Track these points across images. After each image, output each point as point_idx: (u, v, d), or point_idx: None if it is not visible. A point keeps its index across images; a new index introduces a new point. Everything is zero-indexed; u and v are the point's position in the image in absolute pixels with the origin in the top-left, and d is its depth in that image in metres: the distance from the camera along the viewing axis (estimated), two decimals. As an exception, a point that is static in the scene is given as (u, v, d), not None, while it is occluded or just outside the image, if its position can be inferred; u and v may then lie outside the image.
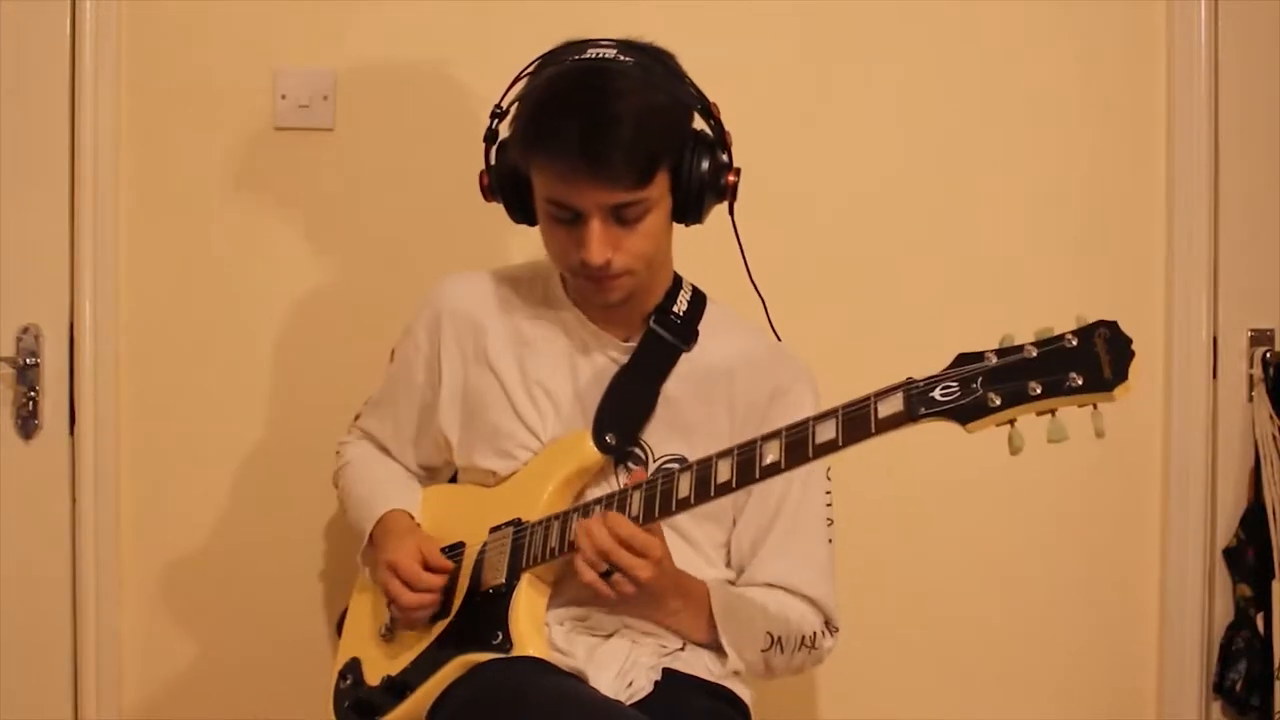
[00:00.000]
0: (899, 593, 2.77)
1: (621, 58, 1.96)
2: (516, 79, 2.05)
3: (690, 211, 2.04)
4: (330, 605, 2.74)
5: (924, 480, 2.74)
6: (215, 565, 2.76)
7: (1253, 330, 2.75)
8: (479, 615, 2.00)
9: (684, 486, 1.85)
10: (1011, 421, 1.60)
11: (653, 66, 1.98)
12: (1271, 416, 2.68)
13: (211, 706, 2.77)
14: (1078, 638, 2.80)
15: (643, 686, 1.93)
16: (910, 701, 2.79)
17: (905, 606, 2.78)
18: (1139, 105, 2.76)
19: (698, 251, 2.15)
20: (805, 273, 2.68)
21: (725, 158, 2.05)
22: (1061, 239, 2.76)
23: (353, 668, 2.16)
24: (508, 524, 2.05)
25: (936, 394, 1.63)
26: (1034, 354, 1.59)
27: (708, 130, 2.05)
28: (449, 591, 2.05)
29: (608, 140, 1.87)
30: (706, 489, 1.83)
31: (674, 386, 2.09)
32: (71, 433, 2.70)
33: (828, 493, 2.14)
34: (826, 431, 1.72)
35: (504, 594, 1.98)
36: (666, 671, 1.98)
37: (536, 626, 1.97)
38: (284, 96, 2.69)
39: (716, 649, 2.04)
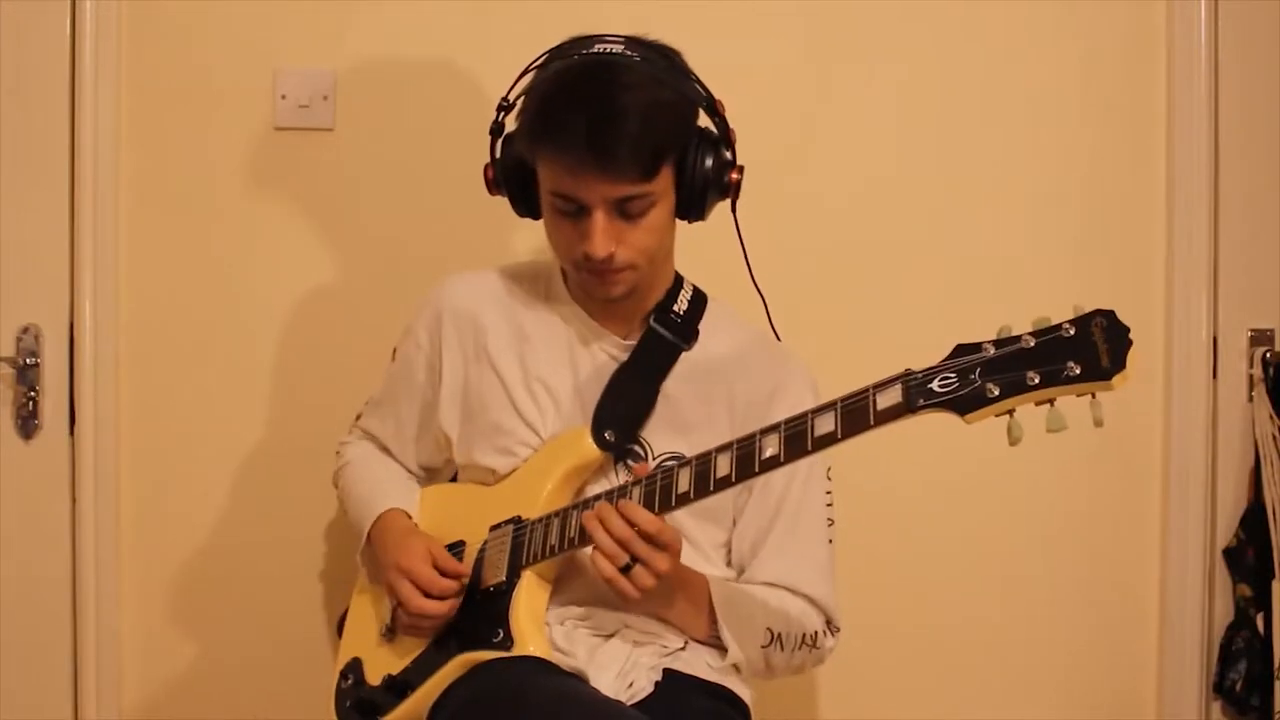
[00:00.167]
0: (899, 593, 2.77)
1: (629, 53, 1.97)
2: (524, 73, 2.06)
3: (693, 208, 2.04)
4: (330, 605, 2.74)
5: (924, 481, 2.74)
6: (215, 565, 2.76)
7: (1253, 330, 2.75)
8: (479, 614, 2.00)
9: (683, 481, 1.85)
10: (1010, 412, 1.60)
11: (659, 63, 1.99)
12: (1271, 416, 2.68)
13: (212, 706, 2.77)
14: (1078, 638, 2.80)
15: (643, 687, 1.93)
16: (910, 701, 2.79)
17: (905, 607, 2.78)
18: (1139, 105, 2.76)
19: (698, 250, 2.16)
20: (805, 271, 2.69)
21: (729, 155, 2.06)
22: (1061, 239, 2.76)
23: (354, 667, 2.16)
24: (508, 522, 2.05)
25: (935, 385, 1.63)
26: (1032, 344, 1.60)
27: (713, 128, 2.06)
28: (449, 591, 2.06)
29: (613, 133, 1.87)
30: (706, 483, 1.82)
31: (674, 385, 2.09)
32: (71, 433, 2.70)
33: (828, 492, 2.14)
34: (825, 424, 1.72)
35: (504, 592, 1.98)
36: (667, 672, 1.97)
37: (537, 624, 1.96)
38: (284, 96, 2.69)
39: (717, 646, 2.04)
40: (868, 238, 2.75)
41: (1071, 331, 1.58)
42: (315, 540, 2.76)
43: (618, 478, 2.05)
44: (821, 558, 2.12)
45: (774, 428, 1.78)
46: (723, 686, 2.04)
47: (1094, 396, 1.56)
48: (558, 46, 2.03)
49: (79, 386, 2.69)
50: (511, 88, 2.08)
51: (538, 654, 1.92)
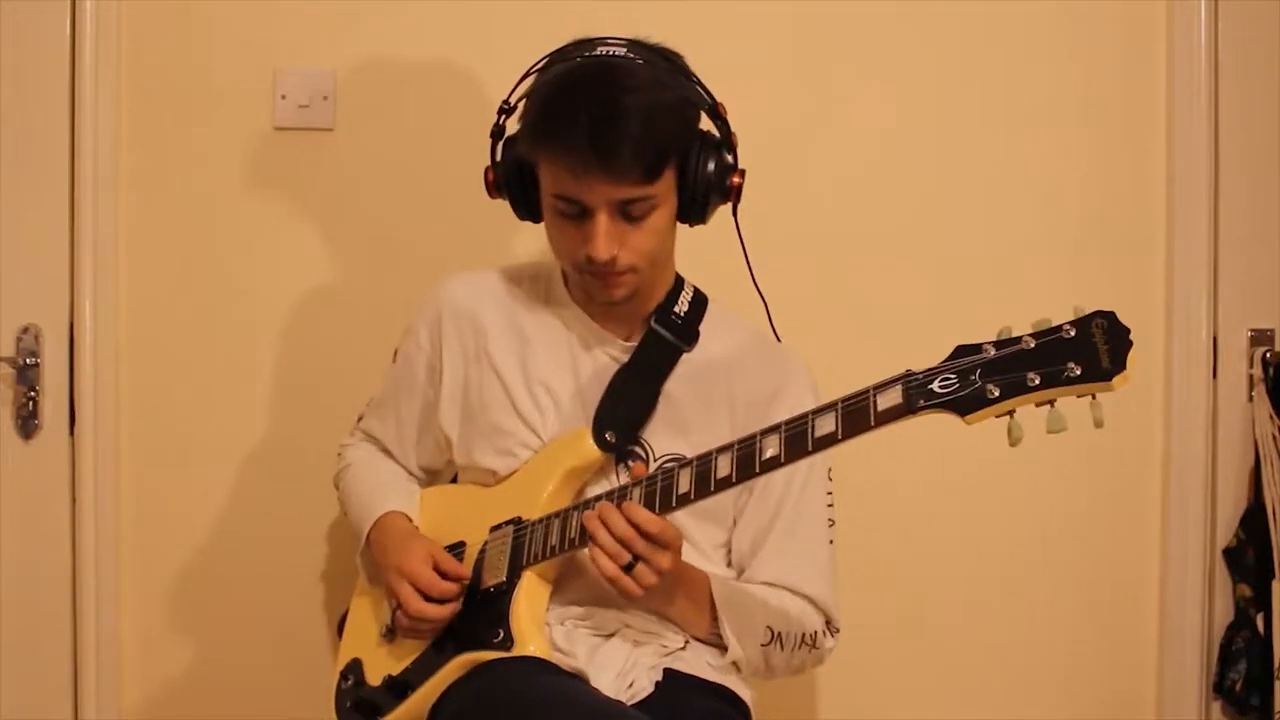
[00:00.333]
0: (900, 593, 2.77)
1: (631, 56, 1.98)
2: (525, 75, 2.06)
3: (694, 211, 2.04)
4: (331, 606, 2.74)
5: (924, 482, 2.74)
6: (215, 565, 2.76)
7: (1253, 330, 2.75)
8: (480, 614, 2.00)
9: (684, 482, 1.85)
10: (1011, 413, 1.60)
11: (662, 66, 2.00)
12: (1271, 416, 2.68)
13: (212, 707, 2.77)
14: (1078, 638, 2.80)
15: (644, 687, 1.93)
16: (910, 701, 2.79)
17: (906, 607, 2.78)
18: (1139, 105, 2.76)
19: (698, 252, 2.16)
20: (805, 273, 2.68)
21: (731, 159, 2.05)
22: (1061, 239, 2.77)
23: (354, 668, 2.16)
24: (508, 522, 2.05)
25: (935, 386, 1.63)
26: (1032, 345, 1.60)
27: (714, 131, 2.06)
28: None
29: (617, 134, 1.87)
30: (707, 484, 1.83)
31: (674, 386, 2.09)
32: (71, 433, 2.70)
33: (829, 493, 2.14)
34: (826, 425, 1.73)
35: (505, 592, 1.98)
36: (667, 672, 1.98)
37: (537, 624, 1.96)
38: (284, 96, 2.69)
39: (717, 644, 2.04)
40: (867, 239, 2.75)
41: (1072, 333, 1.58)
42: (316, 540, 2.76)
43: (618, 479, 2.05)
44: (822, 558, 2.12)
45: (774, 429, 1.78)
46: (723, 686, 2.04)
47: (1094, 397, 1.56)
48: (559, 49, 2.03)
49: (79, 386, 2.69)
50: (513, 90, 2.07)
51: (538, 654, 1.92)
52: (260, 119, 2.70)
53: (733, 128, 2.06)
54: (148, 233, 2.72)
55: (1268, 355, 2.72)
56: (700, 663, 2.03)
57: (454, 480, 2.28)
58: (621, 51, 1.98)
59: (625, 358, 2.11)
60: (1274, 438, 2.67)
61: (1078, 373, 1.55)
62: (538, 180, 2.02)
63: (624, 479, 2.03)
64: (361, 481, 2.27)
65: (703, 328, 2.14)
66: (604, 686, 1.89)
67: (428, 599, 2.01)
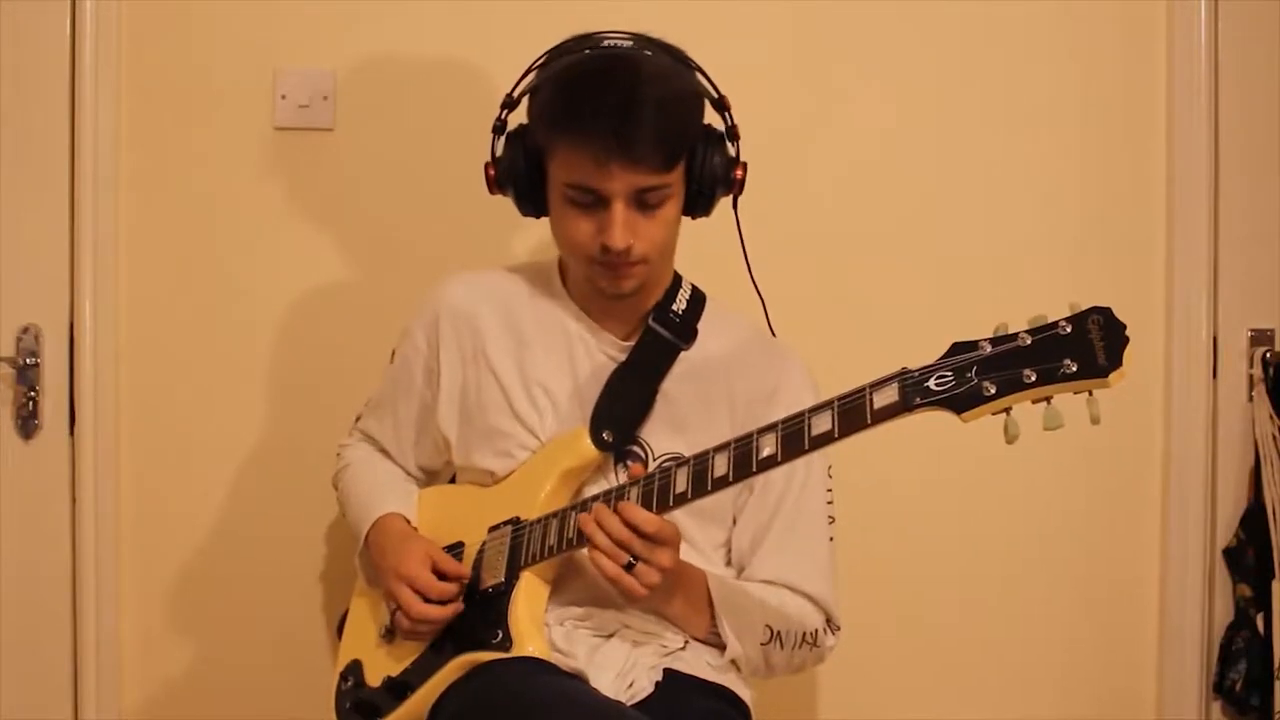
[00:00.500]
0: (899, 593, 2.77)
1: (641, 49, 1.99)
2: (529, 70, 2.06)
3: (700, 204, 2.05)
4: (331, 606, 2.73)
5: (922, 480, 2.74)
6: (216, 565, 2.76)
7: (1253, 330, 2.75)
8: (478, 615, 2.00)
9: (681, 481, 1.85)
10: (1007, 410, 1.60)
11: (669, 58, 2.02)
12: (1271, 416, 2.68)
13: (212, 707, 2.77)
14: (1077, 637, 2.80)
15: (643, 687, 1.92)
16: (910, 701, 2.79)
17: (905, 607, 2.78)
18: (1139, 105, 2.76)
19: (695, 251, 2.16)
20: (802, 270, 2.68)
21: (735, 152, 2.06)
22: (1061, 239, 2.76)
23: (353, 669, 2.16)
24: (506, 523, 2.04)
25: (931, 383, 1.63)
26: (1028, 341, 1.60)
27: (719, 124, 2.07)
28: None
29: (640, 121, 1.88)
30: (704, 483, 1.82)
31: (673, 385, 2.09)
32: (71, 433, 2.70)
33: (829, 490, 2.14)
34: (822, 423, 1.73)
35: (503, 593, 1.98)
36: (667, 672, 1.97)
37: (536, 625, 1.96)
38: (284, 96, 2.69)
39: (716, 643, 2.04)
40: (867, 238, 2.75)
41: (1068, 329, 1.58)
42: (316, 540, 2.76)
43: (616, 478, 2.05)
44: (821, 556, 2.12)
45: (771, 427, 1.78)
46: (723, 686, 2.03)
47: (1091, 394, 1.56)
48: (563, 43, 2.04)
49: (79, 386, 2.69)
50: (516, 84, 2.08)
51: (537, 655, 1.91)
52: (260, 119, 2.70)
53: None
54: (148, 233, 2.72)
55: (1268, 355, 2.72)
56: (700, 663, 2.02)
57: (452, 480, 2.27)
58: (629, 44, 1.99)
59: (623, 357, 2.11)
60: (1274, 438, 2.67)
61: (1074, 369, 1.55)
62: (545, 172, 2.02)
63: (622, 478, 2.03)
64: (360, 482, 2.27)
65: (701, 326, 2.14)
66: (604, 687, 1.89)
67: (427, 600, 2.01)
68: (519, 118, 2.08)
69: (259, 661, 2.76)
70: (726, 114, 2.08)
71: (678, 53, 2.05)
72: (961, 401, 1.61)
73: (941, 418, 1.63)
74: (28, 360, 2.66)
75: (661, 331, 2.11)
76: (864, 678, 2.73)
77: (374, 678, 2.10)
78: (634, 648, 1.98)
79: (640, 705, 1.89)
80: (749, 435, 1.80)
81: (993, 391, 1.59)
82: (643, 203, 1.95)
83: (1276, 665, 2.65)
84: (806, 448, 1.74)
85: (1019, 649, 2.80)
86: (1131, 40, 2.76)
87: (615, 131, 1.87)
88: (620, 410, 2.06)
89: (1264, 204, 2.74)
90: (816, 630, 2.08)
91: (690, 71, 2.05)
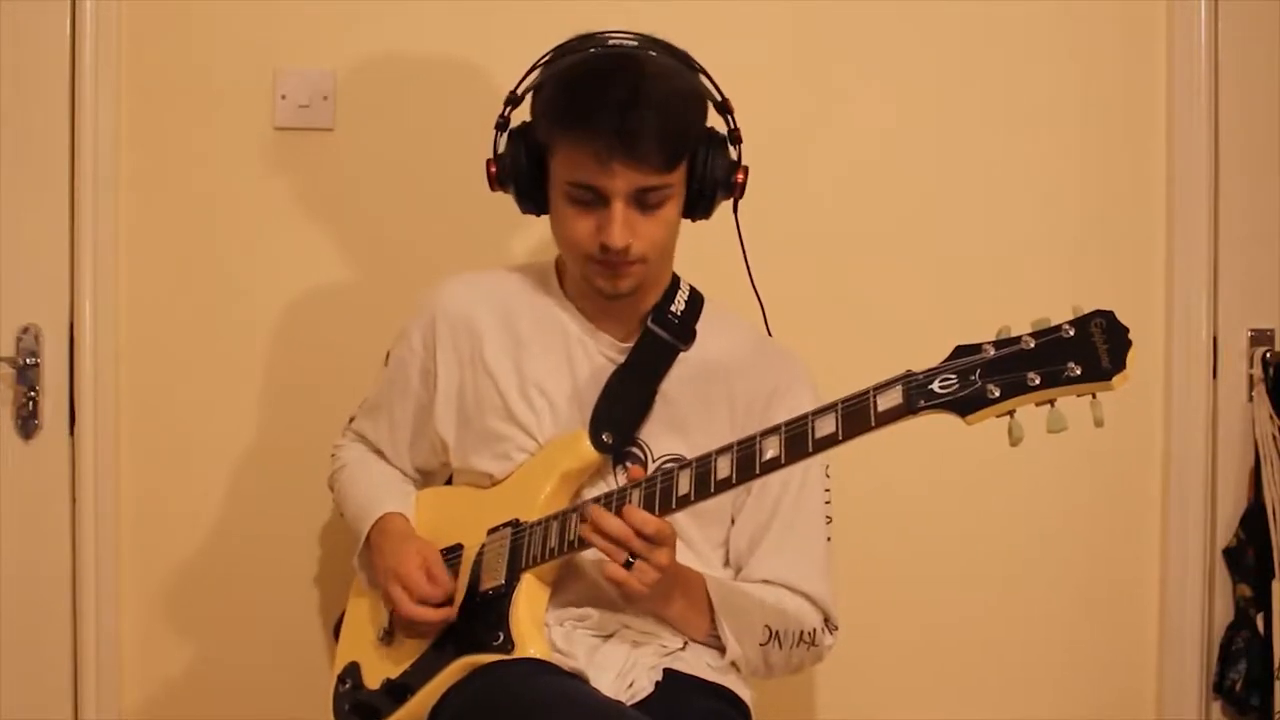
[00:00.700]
0: (900, 593, 2.77)
1: (645, 49, 2.00)
2: (532, 68, 2.06)
3: (700, 206, 2.06)
4: (330, 607, 2.73)
5: (925, 481, 2.74)
6: (215, 566, 2.76)
7: (1253, 330, 2.75)
8: (479, 617, 2.00)
9: (684, 483, 1.85)
10: (1011, 413, 1.60)
11: (675, 59, 2.03)
12: (1271, 416, 2.68)
13: (211, 707, 2.76)
14: (1077, 637, 2.80)
15: (644, 687, 1.93)
16: (910, 701, 2.79)
17: (906, 606, 2.78)
18: (1139, 105, 2.76)
19: (694, 252, 2.16)
20: (803, 273, 2.68)
21: (737, 156, 2.07)
22: (1061, 239, 2.76)
23: (352, 671, 2.16)
24: (506, 525, 2.04)
25: (935, 386, 1.64)
26: (1032, 345, 1.60)
27: (721, 127, 2.07)
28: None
29: (643, 120, 1.88)
30: (706, 485, 1.83)
31: (672, 386, 2.09)
32: (71, 433, 2.69)
33: (827, 490, 2.14)
34: (826, 425, 1.73)
35: (504, 595, 1.98)
36: (667, 672, 1.97)
37: (537, 627, 1.96)
38: (284, 96, 2.69)
39: (715, 645, 2.04)
40: (867, 239, 2.75)
41: (1071, 332, 1.58)
42: (315, 541, 2.75)
43: (616, 479, 2.04)
44: (819, 555, 2.12)
45: (774, 429, 1.78)
46: (723, 686, 2.04)
47: (1094, 397, 1.57)
48: (568, 42, 2.04)
49: (79, 386, 2.68)
50: (520, 82, 2.08)
51: (538, 656, 1.91)
52: (260, 119, 2.70)
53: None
54: (148, 233, 2.71)
55: (1268, 355, 2.72)
56: (700, 663, 2.03)
57: (449, 481, 2.27)
58: (633, 44, 2.00)
59: (622, 358, 2.10)
60: (1274, 438, 2.67)
61: (1078, 372, 1.56)
62: (546, 170, 2.02)
63: (621, 480, 2.03)
64: (358, 482, 2.27)
65: (700, 327, 2.14)
66: (604, 687, 1.89)
67: (422, 603, 2.01)
68: (522, 115, 2.08)
69: (259, 661, 2.76)
70: (729, 117, 2.08)
71: (682, 54, 2.05)
72: (966, 404, 1.61)
73: (945, 420, 1.63)
74: (28, 360, 2.66)
75: (660, 333, 2.10)
76: (864, 678, 2.73)
77: (373, 680, 2.10)
78: (634, 648, 1.98)
79: (640, 705, 1.89)
80: (752, 437, 1.80)
81: (997, 394, 1.59)
82: (643, 202, 1.95)
83: (1276, 665, 2.65)
84: (810, 450, 1.74)
85: (1019, 649, 2.80)
86: (1131, 40, 2.76)
87: (618, 130, 1.87)
88: (619, 412, 2.06)
89: (1264, 204, 2.74)
90: (815, 630, 2.09)
91: (694, 73, 2.05)
